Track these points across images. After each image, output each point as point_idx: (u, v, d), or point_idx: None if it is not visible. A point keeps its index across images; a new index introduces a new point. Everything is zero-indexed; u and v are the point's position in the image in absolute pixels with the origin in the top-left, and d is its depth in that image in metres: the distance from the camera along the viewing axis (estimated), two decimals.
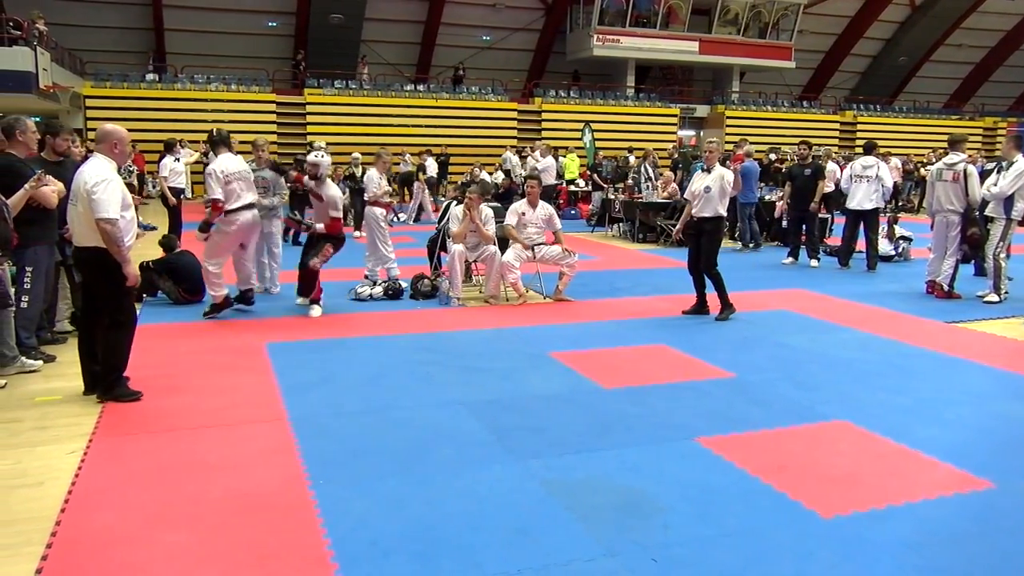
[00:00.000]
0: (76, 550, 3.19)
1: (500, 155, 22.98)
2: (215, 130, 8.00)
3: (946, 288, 8.81)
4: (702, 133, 31.39)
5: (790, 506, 3.65)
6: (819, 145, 11.46)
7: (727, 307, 7.68)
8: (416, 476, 3.94)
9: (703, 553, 3.21)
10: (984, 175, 9.20)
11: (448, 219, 8.83)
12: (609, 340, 6.79)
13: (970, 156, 10.38)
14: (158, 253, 8.53)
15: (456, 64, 28.94)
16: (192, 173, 21.72)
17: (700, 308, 7.85)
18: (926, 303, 8.57)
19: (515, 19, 29.20)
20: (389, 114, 25.42)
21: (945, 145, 9.55)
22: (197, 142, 22.11)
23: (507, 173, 19.48)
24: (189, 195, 21.68)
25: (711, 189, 7.66)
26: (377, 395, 5.20)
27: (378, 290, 8.50)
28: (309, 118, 25.34)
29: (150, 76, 24.65)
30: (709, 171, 7.85)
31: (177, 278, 8.10)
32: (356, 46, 27.58)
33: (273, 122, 24.85)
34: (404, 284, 8.68)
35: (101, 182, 4.81)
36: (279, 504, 3.61)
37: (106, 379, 5.03)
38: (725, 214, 7.93)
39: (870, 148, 11.10)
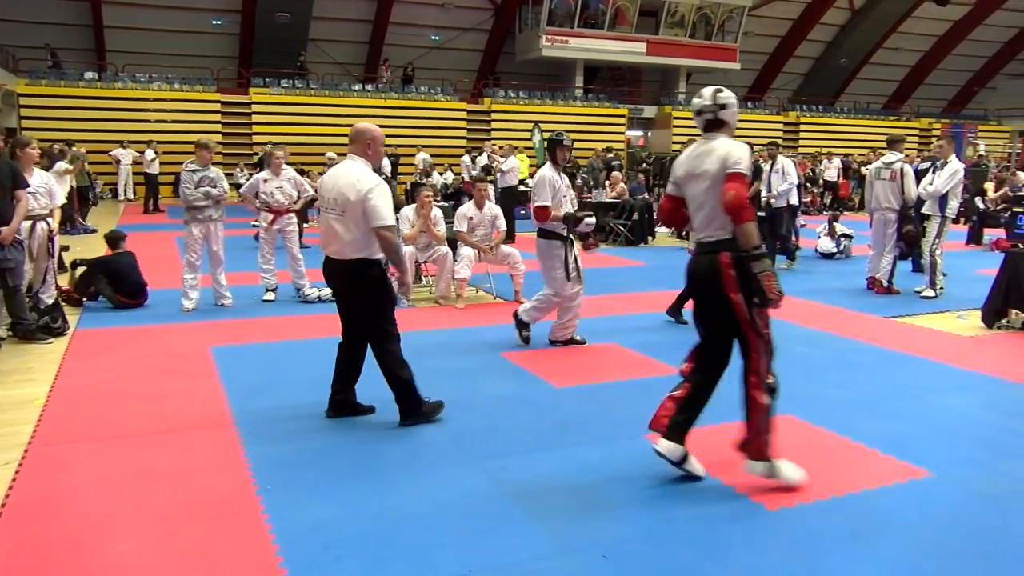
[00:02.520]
0: (14, 564, 3.09)
1: (451, 155, 22.94)
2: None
3: (885, 284, 9.05)
4: (650, 134, 31.75)
5: (739, 500, 3.71)
6: (761, 146, 11.63)
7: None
8: (369, 479, 3.91)
9: (655, 548, 3.25)
10: (920, 174, 9.48)
11: (399, 220, 8.76)
12: None
13: (907, 156, 10.67)
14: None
15: (405, 64, 28.77)
16: (133, 175, 21.30)
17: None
18: (867, 299, 8.80)
19: (464, 19, 29.16)
20: (337, 114, 25.15)
21: (884, 145, 9.80)
22: (139, 142, 21.72)
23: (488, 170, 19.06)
24: (131, 196, 21.23)
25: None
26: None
27: (327, 292, 8.39)
28: (255, 118, 24.94)
29: (89, 74, 23.97)
30: None
31: (115, 280, 7.85)
32: (303, 45, 27.24)
33: (218, 122, 24.40)
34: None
35: (375, 187, 4.42)
36: (227, 511, 3.55)
37: (407, 400, 4.64)
38: None
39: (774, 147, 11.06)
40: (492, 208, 8.67)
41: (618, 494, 3.76)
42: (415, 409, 4.68)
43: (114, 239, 8.18)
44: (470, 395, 5.27)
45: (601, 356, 6.36)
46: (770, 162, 10.63)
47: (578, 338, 6.69)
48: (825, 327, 7.39)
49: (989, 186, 15.77)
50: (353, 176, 4.46)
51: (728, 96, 3.93)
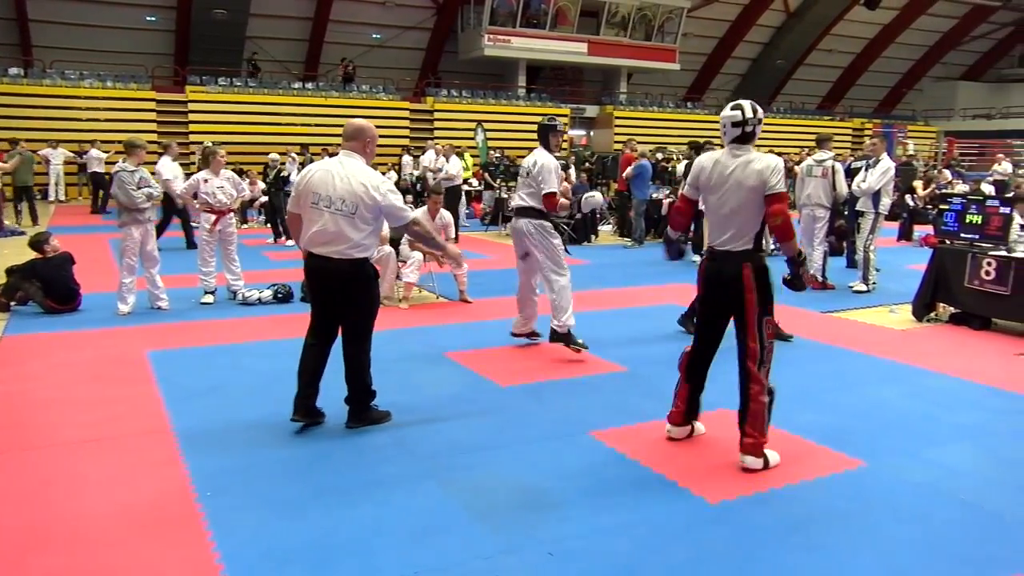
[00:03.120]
0: None
1: (395, 154, 22.77)
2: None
3: (820, 279, 9.30)
4: (592, 133, 32.00)
5: (680, 493, 3.77)
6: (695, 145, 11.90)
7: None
8: (311, 483, 3.86)
9: (598, 544, 3.28)
10: (854, 173, 9.77)
11: None
12: (505, 339, 6.82)
13: (841, 155, 10.99)
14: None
15: (345, 62, 28.44)
16: (66, 174, 20.62)
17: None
18: (802, 294, 9.00)
19: (406, 18, 28.95)
20: (277, 112, 24.75)
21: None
22: (70, 141, 21.03)
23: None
24: (63, 197, 20.54)
25: None
26: (268, 402, 5.05)
27: (267, 293, 8.27)
28: (192, 116, 24.37)
29: (13, 71, 23.11)
30: None
31: (47, 285, 7.59)
32: (241, 43, 26.73)
33: (153, 121, 23.77)
34: (293, 287, 8.48)
35: (391, 187, 4.47)
36: (165, 519, 3.46)
37: (364, 403, 4.68)
38: None
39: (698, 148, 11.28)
40: (444, 216, 8.64)
41: (562, 491, 3.78)
42: (367, 413, 4.66)
43: (38, 242, 7.90)
44: (414, 396, 5.25)
45: (546, 354, 6.39)
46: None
47: (537, 331, 6.65)
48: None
49: (918, 184, 16.29)
50: (365, 176, 4.40)
51: (761, 112, 4.18)
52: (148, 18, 25.81)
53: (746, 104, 4.14)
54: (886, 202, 9.06)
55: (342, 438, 4.46)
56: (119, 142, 10.92)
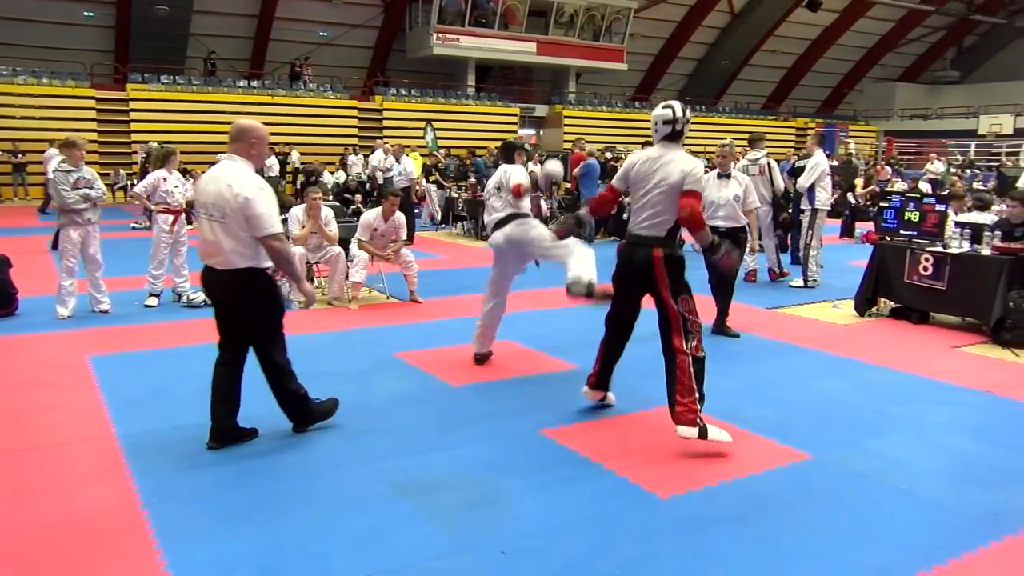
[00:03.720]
0: None
1: (344, 153, 22.50)
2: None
3: (777, 271, 9.65)
4: (542, 132, 32.12)
5: (631, 489, 3.81)
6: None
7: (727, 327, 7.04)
8: (259, 487, 3.80)
9: (551, 542, 3.30)
10: (798, 172, 10.02)
11: (288, 220, 8.54)
12: (455, 338, 6.81)
13: (785, 154, 11.29)
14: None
15: (293, 60, 28.07)
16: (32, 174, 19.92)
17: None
18: (749, 291, 9.18)
19: (353, 15, 28.67)
20: (222, 111, 24.29)
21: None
22: (4, 140, 20.35)
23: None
24: None
25: (739, 199, 7.24)
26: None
27: None
28: (133, 115, 23.79)
29: None
30: (728, 176, 7.37)
31: None
32: (185, 40, 26.16)
33: (93, 119, 23.14)
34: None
35: (257, 193, 4.03)
36: (109, 527, 3.38)
37: (298, 410, 4.52)
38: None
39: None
40: (398, 218, 8.55)
41: (514, 490, 3.79)
42: (307, 416, 4.55)
43: None
44: (365, 397, 5.20)
45: (497, 353, 6.38)
46: None
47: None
48: (710, 318, 7.66)
49: (859, 182, 16.72)
50: (233, 179, 4.05)
51: (689, 112, 4.50)
52: (86, 13, 25.07)
53: (676, 104, 4.45)
54: (822, 196, 9.30)
55: (290, 442, 4.41)
56: (52, 141, 10.60)
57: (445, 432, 4.57)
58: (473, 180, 16.67)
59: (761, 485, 3.90)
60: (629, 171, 4.53)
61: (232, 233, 4.06)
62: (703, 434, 4.16)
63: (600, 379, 4.85)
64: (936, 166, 20.85)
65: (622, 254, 4.53)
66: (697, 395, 4.22)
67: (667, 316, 4.34)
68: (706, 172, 7.84)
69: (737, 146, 9.87)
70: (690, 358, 4.25)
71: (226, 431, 4.31)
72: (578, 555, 3.20)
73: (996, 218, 8.07)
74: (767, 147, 10.16)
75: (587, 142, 15.50)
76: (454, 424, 4.70)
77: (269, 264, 4.22)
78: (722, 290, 7.00)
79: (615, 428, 4.67)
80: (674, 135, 4.41)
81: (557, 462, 4.15)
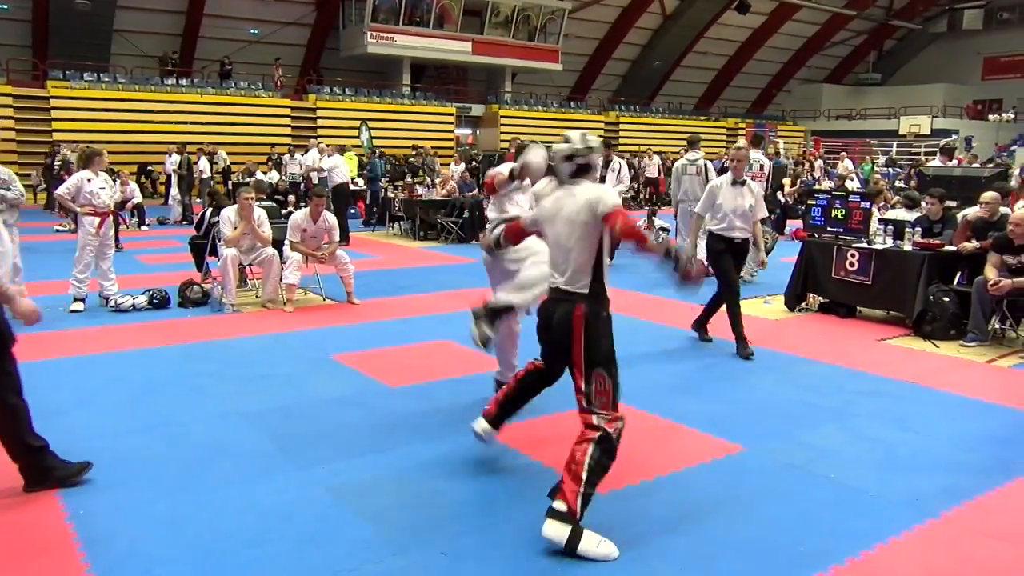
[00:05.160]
0: None
1: (279, 153, 22.06)
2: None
3: (707, 264, 9.80)
4: (479, 132, 32.11)
5: None
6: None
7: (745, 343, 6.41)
8: (191, 495, 3.70)
9: (492, 543, 3.29)
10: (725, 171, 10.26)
11: (220, 222, 8.35)
12: (394, 339, 6.76)
13: (717, 154, 11.56)
14: None
15: (222, 58, 27.45)
16: None
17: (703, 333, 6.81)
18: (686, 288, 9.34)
19: (284, 12, 28.17)
20: (148, 110, 23.58)
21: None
22: None
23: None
24: None
25: (753, 208, 6.45)
26: (144, 413, 4.83)
27: (141, 299, 7.89)
28: (54, 113, 22.92)
29: None
30: (742, 183, 6.48)
31: None
32: (108, 36, 25.32)
33: (11, 117, 22.19)
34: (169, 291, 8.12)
35: None
36: (32, 541, 3.25)
37: (24, 460, 3.71)
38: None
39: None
40: (328, 219, 8.41)
41: (454, 491, 3.78)
42: (41, 475, 3.74)
43: None
44: (300, 400, 5.12)
45: (436, 354, 6.36)
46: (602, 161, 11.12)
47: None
48: (645, 316, 7.78)
49: (787, 181, 17.15)
50: None
51: (595, 140, 3.67)
52: (1, 7, 24.07)
53: (574, 134, 3.62)
54: None
55: (223, 447, 4.30)
56: None
57: (384, 435, 4.53)
58: (410, 180, 16.58)
59: (699, 478, 3.98)
60: (540, 212, 3.72)
61: None
62: (573, 538, 3.19)
63: (495, 417, 4.05)
64: (846, 164, 21.78)
65: (541, 313, 3.72)
66: (581, 491, 3.24)
67: (578, 386, 3.51)
68: (719, 175, 7.60)
69: (675, 148, 10.05)
70: (594, 437, 3.35)
71: (36, 472, 3.73)
72: (517, 556, 3.20)
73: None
74: (701, 147, 10.39)
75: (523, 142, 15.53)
76: (393, 426, 4.66)
77: None
78: (730, 308, 6.41)
79: (555, 426, 4.69)
80: (582, 169, 3.57)
81: (498, 461, 4.15)
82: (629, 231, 3.38)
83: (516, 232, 3.98)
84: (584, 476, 3.23)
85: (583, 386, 3.46)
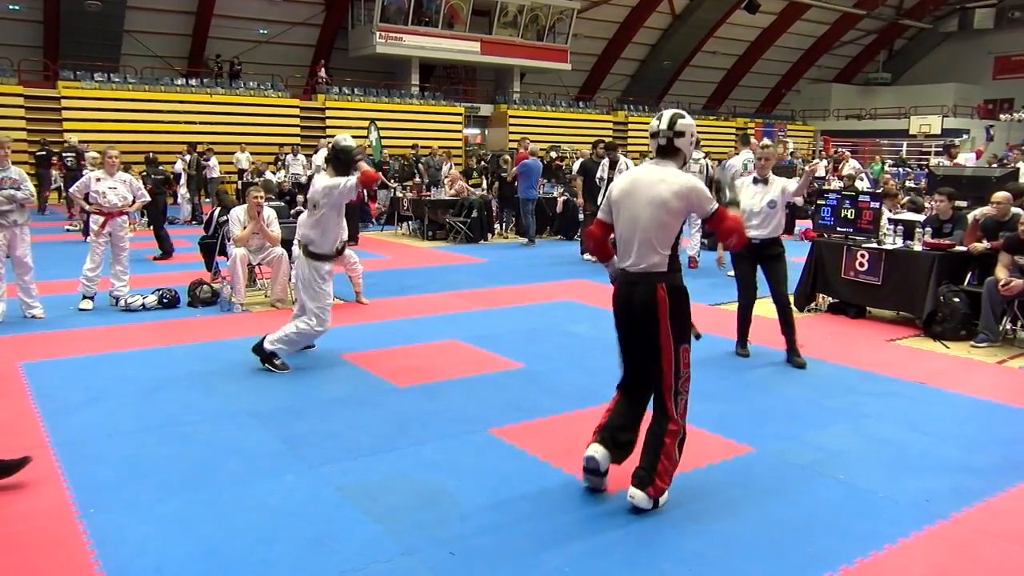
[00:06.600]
0: None
1: (286, 154, 22.11)
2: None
3: (692, 254, 10.63)
4: (487, 132, 32.11)
5: (579, 487, 3.83)
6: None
7: (797, 351, 6.23)
8: (201, 494, 3.72)
9: (499, 542, 3.30)
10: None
11: (229, 222, 8.38)
12: (402, 339, 6.77)
13: (727, 154, 11.72)
14: None
15: (232, 58, 27.53)
16: None
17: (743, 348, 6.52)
18: (689, 284, 9.32)
19: (293, 13, 28.23)
20: (158, 110, 23.67)
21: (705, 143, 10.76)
22: None
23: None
24: None
25: (776, 204, 6.21)
26: (154, 412, 4.85)
27: (151, 299, 7.92)
28: (65, 113, 23.03)
29: None
30: (765, 181, 6.30)
31: None
32: (118, 36, 25.43)
33: (22, 117, 22.31)
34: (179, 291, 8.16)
35: None
36: (43, 539, 3.27)
37: None
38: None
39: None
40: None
41: (462, 490, 3.78)
42: None
43: None
44: (309, 399, 5.13)
45: (443, 353, 6.37)
46: (609, 162, 11.12)
47: None
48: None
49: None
50: None
51: (687, 124, 3.70)
52: (12, 7, 24.19)
53: (666, 113, 3.73)
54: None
55: (233, 446, 4.32)
56: None
57: (392, 434, 4.53)
58: (418, 180, 16.61)
59: (708, 478, 3.97)
60: (612, 193, 3.75)
61: None
62: (653, 508, 3.57)
63: (603, 443, 3.77)
64: (852, 164, 21.64)
65: (619, 300, 3.72)
66: (668, 476, 3.63)
67: (660, 369, 3.64)
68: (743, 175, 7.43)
69: None
70: (677, 440, 3.64)
71: None
72: (525, 553, 3.20)
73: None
74: (710, 147, 10.60)
75: (532, 141, 15.55)
76: (401, 426, 4.67)
77: None
78: (783, 317, 6.29)
79: (562, 426, 4.69)
80: (662, 150, 3.69)
81: (505, 461, 4.15)
82: (741, 239, 3.89)
83: (595, 236, 3.94)
84: (669, 471, 3.63)
85: (670, 372, 3.61)
